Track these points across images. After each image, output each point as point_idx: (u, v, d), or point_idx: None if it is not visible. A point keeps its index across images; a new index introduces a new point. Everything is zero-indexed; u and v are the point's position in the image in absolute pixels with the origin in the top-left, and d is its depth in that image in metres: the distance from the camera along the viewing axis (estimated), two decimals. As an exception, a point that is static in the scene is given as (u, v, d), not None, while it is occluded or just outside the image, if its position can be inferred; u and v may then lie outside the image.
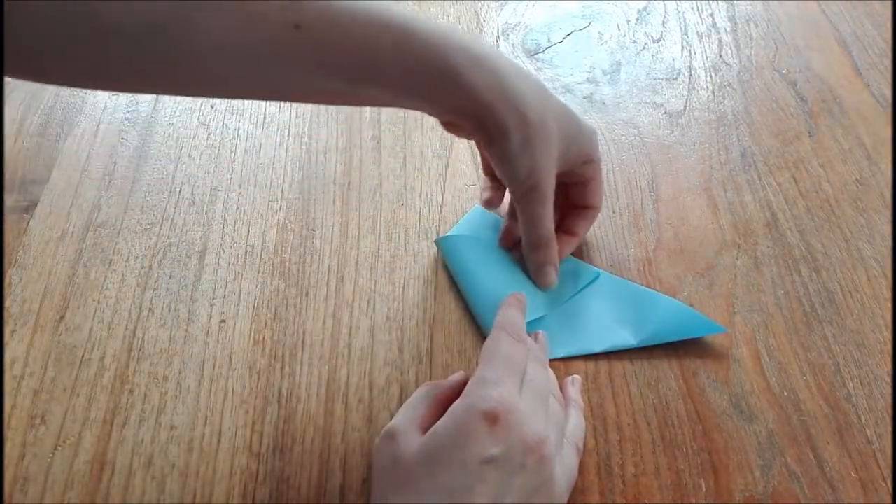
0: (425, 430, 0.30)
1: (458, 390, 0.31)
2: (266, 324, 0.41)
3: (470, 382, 0.31)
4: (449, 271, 0.43)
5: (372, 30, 0.29)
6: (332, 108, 0.53)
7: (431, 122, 0.51)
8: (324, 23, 0.28)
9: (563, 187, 0.41)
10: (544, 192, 0.37)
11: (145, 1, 0.25)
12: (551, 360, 0.39)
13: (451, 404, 0.30)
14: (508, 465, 0.28)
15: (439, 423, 0.30)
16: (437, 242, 0.44)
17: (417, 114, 0.52)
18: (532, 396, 0.31)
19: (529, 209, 0.38)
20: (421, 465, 0.28)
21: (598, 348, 0.39)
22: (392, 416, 0.37)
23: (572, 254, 0.43)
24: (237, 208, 0.47)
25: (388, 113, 0.52)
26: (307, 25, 0.28)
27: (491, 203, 0.43)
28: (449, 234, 0.44)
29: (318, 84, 0.31)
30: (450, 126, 0.35)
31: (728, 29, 0.58)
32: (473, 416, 0.29)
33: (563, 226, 0.42)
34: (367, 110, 0.52)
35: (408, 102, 0.33)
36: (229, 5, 0.27)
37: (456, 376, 0.36)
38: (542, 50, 0.57)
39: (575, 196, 0.42)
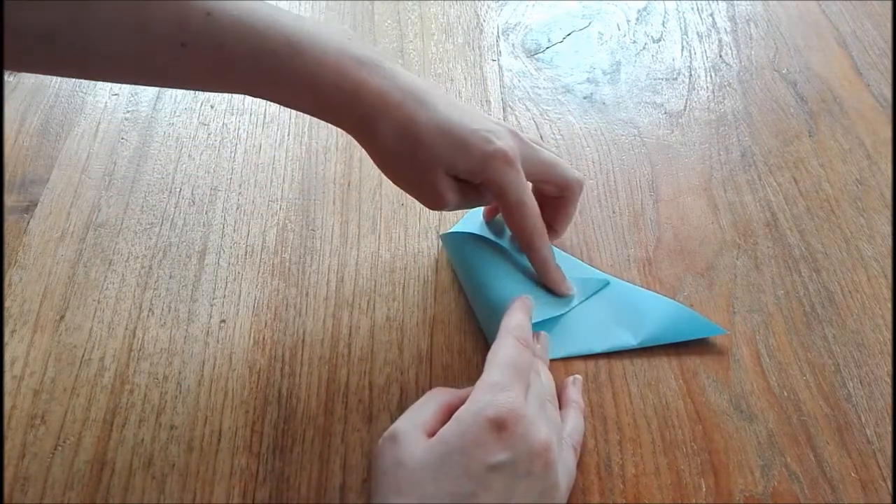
0: (430, 434, 0.30)
1: (465, 399, 0.31)
2: (266, 324, 0.41)
3: (476, 387, 0.30)
4: (451, 268, 0.43)
5: (256, 49, 0.31)
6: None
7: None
8: (208, 44, 0.31)
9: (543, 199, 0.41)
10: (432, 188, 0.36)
11: (39, 11, 0.28)
12: (551, 360, 0.39)
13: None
14: (514, 472, 0.28)
15: (445, 427, 0.29)
16: (441, 238, 0.44)
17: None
18: (535, 402, 0.31)
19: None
20: (425, 469, 0.28)
21: (598, 348, 0.39)
22: (392, 416, 0.37)
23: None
24: (237, 208, 0.47)
25: (388, 113, 0.52)
26: (192, 44, 0.30)
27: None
28: (453, 230, 0.44)
29: (209, 88, 0.34)
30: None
31: (728, 29, 0.58)
32: (480, 423, 0.28)
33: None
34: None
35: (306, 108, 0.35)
36: (120, 20, 0.29)
37: (467, 389, 0.36)
38: (542, 50, 0.57)
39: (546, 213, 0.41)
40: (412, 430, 0.30)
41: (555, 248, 0.41)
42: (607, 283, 0.42)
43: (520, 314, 0.35)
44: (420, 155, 0.34)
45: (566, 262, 0.42)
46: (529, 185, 0.37)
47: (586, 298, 0.41)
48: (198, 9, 0.30)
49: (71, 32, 0.29)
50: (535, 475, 0.29)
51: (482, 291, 0.40)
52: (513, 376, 0.31)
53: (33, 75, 0.56)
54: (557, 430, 0.32)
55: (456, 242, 0.43)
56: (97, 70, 0.33)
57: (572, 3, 0.61)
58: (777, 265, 0.43)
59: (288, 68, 0.32)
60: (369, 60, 0.33)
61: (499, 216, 0.44)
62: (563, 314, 0.40)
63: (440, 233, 0.44)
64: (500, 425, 0.28)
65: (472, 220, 0.44)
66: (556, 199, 0.40)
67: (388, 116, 0.34)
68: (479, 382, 0.31)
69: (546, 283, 0.40)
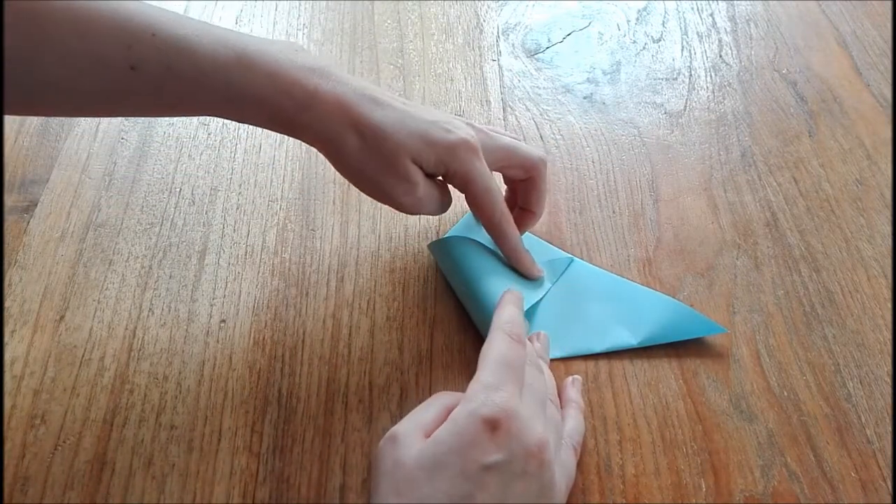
0: (429, 436, 0.30)
1: None
2: (266, 324, 0.41)
3: (470, 387, 0.30)
4: (444, 275, 0.43)
5: (206, 66, 0.32)
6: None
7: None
8: (158, 64, 0.31)
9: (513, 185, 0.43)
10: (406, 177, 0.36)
11: None
12: (551, 360, 0.39)
13: None
14: (510, 471, 0.28)
15: (440, 428, 0.29)
16: (429, 248, 0.44)
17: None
18: (531, 400, 0.31)
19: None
20: (421, 469, 0.28)
21: (598, 348, 0.39)
22: (392, 416, 0.37)
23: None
24: (237, 208, 0.47)
25: (388, 113, 0.52)
26: (141, 66, 0.31)
27: None
28: (445, 236, 0.44)
29: (164, 113, 0.35)
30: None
31: (728, 29, 0.58)
32: (475, 422, 0.28)
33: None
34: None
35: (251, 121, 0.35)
36: (71, 50, 0.29)
37: None
38: (542, 50, 0.57)
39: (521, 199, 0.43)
40: (412, 432, 0.30)
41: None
42: (571, 261, 0.43)
43: (511, 308, 0.35)
44: (385, 146, 0.34)
45: (530, 244, 0.42)
46: (494, 173, 0.38)
47: (559, 277, 0.42)
48: (143, 29, 0.30)
49: (24, 69, 0.29)
50: (531, 474, 0.29)
51: (471, 289, 0.40)
52: (505, 374, 0.30)
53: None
54: (557, 429, 0.32)
55: (443, 248, 0.42)
56: (51, 104, 0.32)
57: (572, 3, 0.61)
58: (777, 265, 0.43)
59: (240, 83, 0.32)
60: (319, 68, 0.34)
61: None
62: (553, 306, 0.41)
63: (428, 243, 0.44)
64: (493, 425, 0.28)
65: (460, 229, 0.44)
66: (525, 181, 0.41)
67: (347, 118, 0.34)
68: (472, 382, 0.31)
69: (517, 268, 0.41)
